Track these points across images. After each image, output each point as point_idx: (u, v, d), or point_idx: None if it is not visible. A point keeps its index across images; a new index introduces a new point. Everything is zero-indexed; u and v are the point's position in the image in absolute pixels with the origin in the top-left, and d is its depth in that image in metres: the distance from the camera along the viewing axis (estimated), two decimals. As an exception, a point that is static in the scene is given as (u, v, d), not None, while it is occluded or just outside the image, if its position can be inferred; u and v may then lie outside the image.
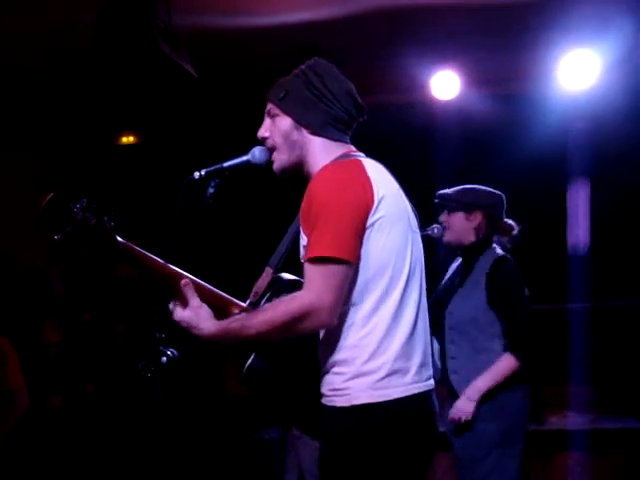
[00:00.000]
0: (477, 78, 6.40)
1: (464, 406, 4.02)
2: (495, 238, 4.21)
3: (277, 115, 2.68)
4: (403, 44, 5.96)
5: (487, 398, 4.02)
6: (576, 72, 6.13)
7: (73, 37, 5.50)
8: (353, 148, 2.71)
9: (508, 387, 4.02)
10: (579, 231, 6.44)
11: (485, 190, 4.22)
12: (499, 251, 4.18)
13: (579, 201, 6.46)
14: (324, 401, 2.61)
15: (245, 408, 6.43)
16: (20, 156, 7.39)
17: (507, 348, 4.01)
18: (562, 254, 6.37)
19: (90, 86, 6.40)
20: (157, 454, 5.89)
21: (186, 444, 6.21)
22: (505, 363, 4.00)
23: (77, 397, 6.02)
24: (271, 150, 2.71)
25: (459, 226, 4.18)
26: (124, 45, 4.74)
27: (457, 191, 4.21)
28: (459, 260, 4.31)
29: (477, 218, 4.16)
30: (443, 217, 4.21)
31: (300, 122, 2.66)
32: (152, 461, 5.97)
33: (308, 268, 2.47)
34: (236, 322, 2.53)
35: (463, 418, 4.03)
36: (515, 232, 4.21)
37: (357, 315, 2.52)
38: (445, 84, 6.43)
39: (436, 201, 4.23)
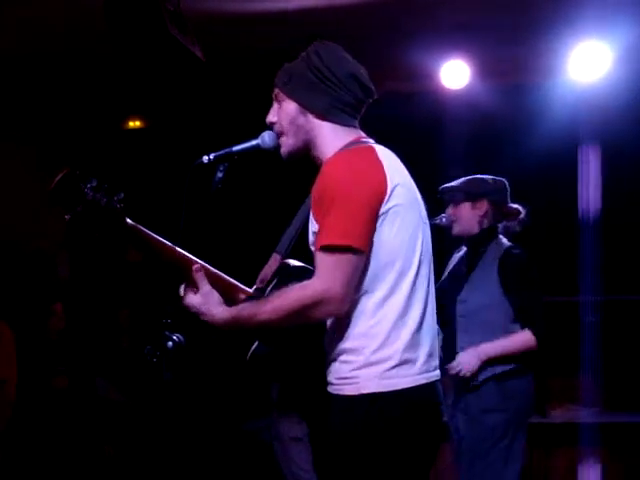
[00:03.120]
0: (487, 68, 6.37)
1: (469, 360, 3.99)
2: (501, 226, 4.21)
3: (283, 100, 2.66)
4: (413, 33, 5.93)
5: (499, 388, 4.00)
6: (586, 64, 6.10)
7: (81, 20, 5.48)
8: (363, 134, 2.68)
9: (519, 376, 4.03)
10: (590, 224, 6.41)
11: (487, 177, 4.24)
12: (506, 241, 4.20)
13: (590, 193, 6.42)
14: (331, 389, 2.59)
15: (233, 399, 6.44)
16: (26, 141, 7.38)
17: (527, 326, 4.02)
18: (574, 246, 6.35)
19: (97, 69, 6.37)
20: (153, 441, 5.92)
21: (178, 433, 6.22)
22: (523, 337, 4.01)
23: (81, 380, 6.04)
24: (279, 135, 2.69)
25: (467, 216, 4.20)
26: (132, 28, 4.69)
27: (461, 182, 4.23)
28: (463, 250, 4.31)
29: (483, 206, 4.19)
30: (450, 210, 4.22)
31: (305, 106, 2.63)
32: (147, 448, 6.00)
33: (320, 256, 2.45)
34: (247, 309, 2.52)
35: (463, 372, 3.99)
36: (522, 215, 4.21)
37: (367, 304, 2.50)
38: (455, 74, 6.41)
39: (439, 196, 4.23)
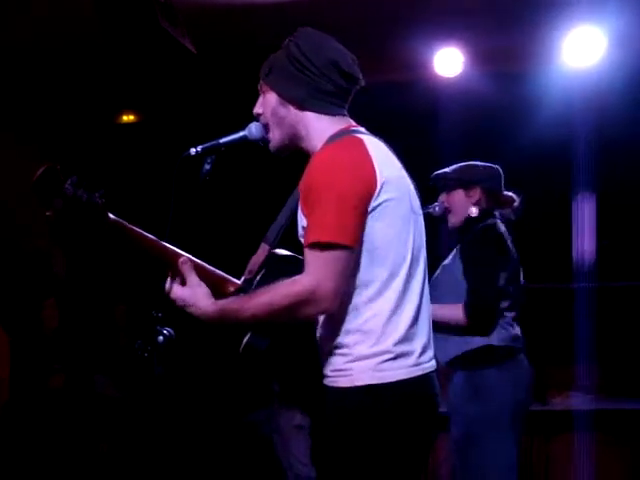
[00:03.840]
0: (481, 55, 6.35)
1: None
2: (497, 214, 4.17)
3: (267, 92, 2.64)
4: (406, 21, 5.90)
5: (470, 380, 3.94)
6: (581, 49, 6.08)
7: (73, 14, 5.46)
8: (352, 122, 2.64)
9: (480, 367, 3.92)
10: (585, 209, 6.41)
11: (481, 164, 4.19)
12: (493, 221, 4.10)
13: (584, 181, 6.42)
14: (326, 382, 2.57)
15: (232, 392, 6.44)
16: (21, 136, 7.36)
17: (464, 304, 3.88)
18: (567, 234, 6.34)
19: (90, 64, 6.35)
20: (151, 437, 5.91)
21: (177, 427, 6.22)
22: (452, 309, 3.87)
23: (78, 377, 6.02)
24: (265, 128, 2.66)
25: (459, 204, 4.15)
26: (124, 21, 4.68)
27: (454, 169, 4.18)
28: None
29: (476, 193, 4.13)
30: (442, 198, 4.18)
31: (284, 97, 2.60)
32: (145, 445, 5.99)
33: (309, 253, 2.42)
34: (234, 303, 2.49)
35: None
36: (516, 203, 4.17)
37: (360, 299, 2.48)
38: (448, 61, 6.38)
39: (431, 183, 4.19)
